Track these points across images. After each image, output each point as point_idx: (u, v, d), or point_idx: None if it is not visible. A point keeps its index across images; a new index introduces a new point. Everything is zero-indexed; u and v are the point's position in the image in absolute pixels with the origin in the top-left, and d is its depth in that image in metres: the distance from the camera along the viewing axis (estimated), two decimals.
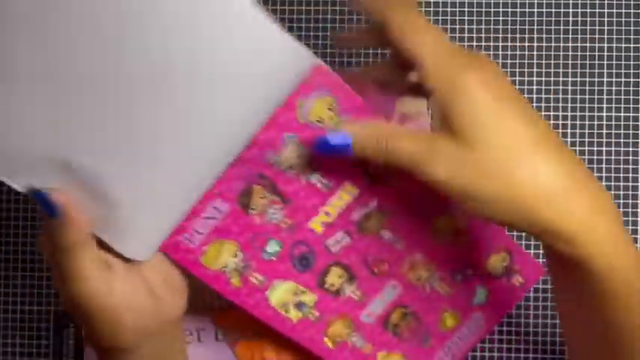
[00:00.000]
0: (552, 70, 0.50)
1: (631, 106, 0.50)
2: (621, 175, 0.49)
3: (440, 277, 0.44)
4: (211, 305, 0.50)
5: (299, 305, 0.42)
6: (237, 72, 0.35)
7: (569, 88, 0.50)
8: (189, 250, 0.39)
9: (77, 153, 0.35)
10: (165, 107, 0.35)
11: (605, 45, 0.50)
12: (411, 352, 0.46)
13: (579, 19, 0.50)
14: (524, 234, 0.50)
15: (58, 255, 0.35)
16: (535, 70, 0.50)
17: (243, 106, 0.36)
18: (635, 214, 0.49)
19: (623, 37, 0.50)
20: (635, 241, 0.50)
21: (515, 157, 0.32)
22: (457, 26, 0.50)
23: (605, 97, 0.50)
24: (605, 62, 0.50)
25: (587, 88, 0.50)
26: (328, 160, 0.38)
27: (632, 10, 0.50)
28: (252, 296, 0.41)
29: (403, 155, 0.34)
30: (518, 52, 0.50)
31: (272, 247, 0.40)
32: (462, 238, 0.43)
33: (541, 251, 0.50)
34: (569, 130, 0.50)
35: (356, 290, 0.43)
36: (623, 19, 0.50)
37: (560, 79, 0.50)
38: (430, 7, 0.50)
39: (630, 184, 0.49)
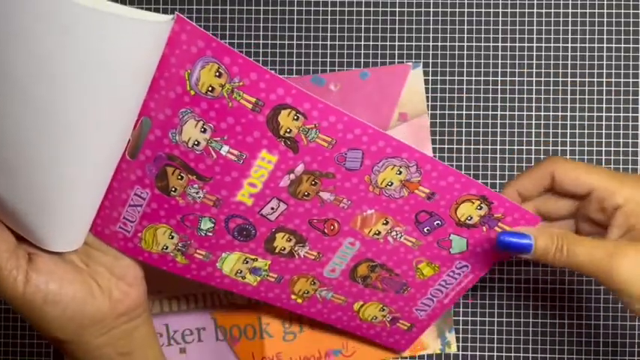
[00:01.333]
0: (552, 71, 0.50)
1: (630, 106, 0.50)
2: None
3: (404, 231, 0.42)
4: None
5: (254, 270, 0.42)
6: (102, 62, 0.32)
7: (569, 88, 0.50)
8: (127, 239, 0.40)
9: None
10: (36, 111, 0.33)
11: (605, 45, 0.50)
12: (389, 301, 0.46)
13: (579, 19, 0.50)
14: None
15: None
16: (535, 70, 0.50)
17: (131, 90, 0.34)
18: None
19: (623, 37, 0.50)
20: None
21: None
22: (457, 26, 0.50)
23: (605, 97, 0.50)
24: (605, 62, 0.50)
25: (587, 88, 0.50)
26: (234, 128, 0.37)
27: (631, 11, 0.50)
28: (203, 270, 0.42)
29: (583, 262, 0.37)
30: (517, 53, 0.50)
31: (205, 225, 0.40)
32: (417, 190, 0.41)
33: None
34: (568, 130, 0.50)
35: (310, 251, 0.42)
36: (623, 20, 0.50)
37: (560, 79, 0.50)
38: (430, 8, 0.50)
39: None
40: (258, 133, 0.37)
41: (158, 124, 0.37)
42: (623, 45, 0.50)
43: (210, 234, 0.40)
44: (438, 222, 0.42)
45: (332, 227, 0.41)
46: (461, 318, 0.51)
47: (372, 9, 0.50)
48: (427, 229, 0.42)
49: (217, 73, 0.35)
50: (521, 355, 0.50)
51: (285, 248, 0.42)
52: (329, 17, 0.51)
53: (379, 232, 0.42)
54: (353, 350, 0.51)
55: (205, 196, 0.39)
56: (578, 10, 0.50)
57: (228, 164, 0.38)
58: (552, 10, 0.50)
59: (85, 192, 0.37)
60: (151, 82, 0.35)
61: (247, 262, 0.42)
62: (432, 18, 0.50)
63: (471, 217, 0.42)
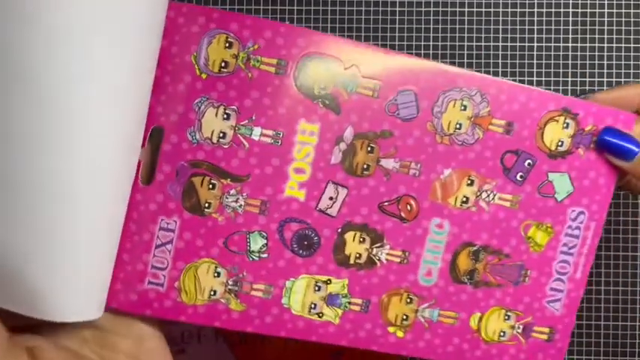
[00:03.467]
0: (552, 70, 0.50)
1: None
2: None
3: (495, 187, 0.34)
4: None
5: (331, 299, 0.33)
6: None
7: (569, 88, 0.50)
8: (161, 297, 0.31)
9: None
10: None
11: (605, 45, 0.50)
12: (511, 300, 0.35)
13: (579, 19, 0.50)
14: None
15: None
16: (535, 70, 0.50)
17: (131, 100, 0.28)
18: (635, 214, 0.49)
19: (623, 37, 0.50)
20: (635, 241, 0.50)
21: None
22: (457, 26, 0.50)
23: None
24: (605, 62, 0.50)
25: (587, 87, 0.50)
26: (261, 102, 0.31)
27: (632, 10, 0.50)
28: (267, 314, 0.33)
29: None
30: (518, 52, 0.50)
31: (256, 243, 0.32)
32: (492, 125, 0.33)
33: None
34: None
35: (393, 250, 0.34)
36: (623, 19, 0.50)
37: (560, 79, 0.50)
38: (430, 7, 0.50)
39: None
40: (289, 101, 0.31)
41: (172, 128, 0.31)
42: (623, 45, 0.50)
43: (265, 255, 0.32)
44: (529, 161, 0.34)
45: (408, 207, 0.33)
46: None
47: (372, 8, 0.50)
48: (520, 176, 0.34)
49: (227, 44, 0.31)
50: None
51: (360, 255, 0.33)
52: (329, 17, 0.51)
53: (467, 199, 0.34)
54: (354, 351, 0.51)
55: (247, 202, 0.32)
56: (579, 10, 0.50)
57: (266, 150, 0.31)
58: (553, 10, 0.50)
59: (100, 233, 0.28)
60: (153, 84, 0.31)
61: (319, 289, 0.33)
62: (432, 18, 0.50)
63: (562, 142, 0.34)
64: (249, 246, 0.32)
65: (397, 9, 0.50)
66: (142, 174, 0.31)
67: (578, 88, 0.50)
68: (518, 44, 0.50)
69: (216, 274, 0.32)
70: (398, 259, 0.34)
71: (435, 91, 0.32)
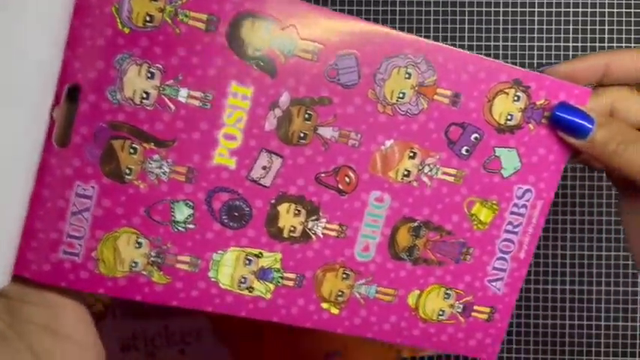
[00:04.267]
0: None
1: None
2: None
3: (438, 161, 0.32)
4: None
5: (262, 274, 0.32)
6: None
7: None
8: (77, 267, 0.29)
9: None
10: None
11: (606, 45, 0.50)
12: (451, 278, 0.34)
13: (579, 18, 0.50)
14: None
15: None
16: (535, 70, 0.50)
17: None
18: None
19: (624, 36, 0.50)
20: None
21: None
22: (457, 26, 0.50)
23: None
24: None
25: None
26: (188, 61, 0.29)
27: (632, 10, 0.50)
28: (193, 287, 0.31)
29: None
30: (518, 52, 0.50)
31: (181, 213, 0.30)
32: (437, 95, 0.31)
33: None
34: None
35: (329, 224, 0.32)
36: (624, 19, 0.50)
37: None
38: (430, 7, 0.50)
39: None
40: (220, 60, 0.29)
41: (90, 86, 0.28)
42: (624, 45, 0.50)
43: (191, 226, 0.30)
44: (476, 134, 0.32)
45: (347, 179, 0.31)
46: None
47: (372, 8, 0.50)
48: (466, 150, 0.32)
49: None
50: (522, 355, 0.50)
51: (295, 227, 0.31)
52: None
53: (409, 172, 0.32)
54: (353, 351, 0.51)
55: (172, 170, 0.29)
56: (580, 10, 0.50)
57: (193, 114, 0.29)
58: (553, 10, 0.50)
59: (12, 201, 0.27)
60: (70, 37, 0.28)
61: (250, 262, 0.31)
62: (432, 18, 0.50)
63: (512, 115, 0.32)
64: (174, 216, 0.30)
65: (397, 8, 0.50)
66: (57, 135, 0.28)
67: None
68: (518, 44, 0.50)
69: (137, 245, 0.30)
70: (335, 233, 0.32)
71: (378, 56, 0.30)
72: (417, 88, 0.31)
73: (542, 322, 0.50)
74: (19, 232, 0.28)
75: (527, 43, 0.50)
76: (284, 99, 0.29)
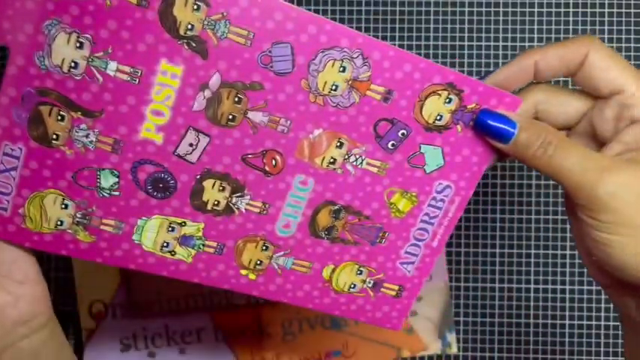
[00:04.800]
0: None
1: None
2: None
3: (364, 153, 0.33)
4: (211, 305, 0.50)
5: (184, 240, 0.33)
6: None
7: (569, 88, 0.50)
8: (4, 221, 0.31)
9: None
10: None
11: (606, 45, 0.50)
12: (365, 257, 0.36)
13: (579, 18, 0.50)
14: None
15: None
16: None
17: None
18: None
19: (624, 36, 0.50)
20: None
21: None
22: (457, 26, 0.50)
23: None
24: None
25: None
26: (118, 35, 0.28)
27: (632, 10, 0.50)
28: (116, 248, 0.32)
29: (565, 168, 0.30)
30: (518, 52, 0.50)
31: (107, 181, 0.31)
32: (369, 91, 0.32)
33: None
34: None
35: (253, 201, 0.33)
36: (624, 19, 0.50)
37: (561, 79, 0.50)
38: (430, 7, 0.50)
39: None
40: (151, 37, 0.28)
41: (18, 49, 0.28)
42: (623, 45, 0.50)
43: (116, 193, 0.31)
44: (403, 131, 0.33)
45: (273, 162, 0.32)
46: (461, 319, 0.50)
47: (372, 8, 0.50)
48: (392, 144, 0.33)
49: None
50: (522, 355, 0.50)
51: (218, 202, 0.32)
52: (329, 17, 0.51)
53: (334, 160, 0.33)
54: (353, 351, 0.51)
55: (99, 140, 0.30)
56: (579, 10, 0.50)
57: (121, 87, 0.29)
58: (553, 10, 0.50)
59: None
60: None
61: (173, 230, 0.32)
62: (432, 18, 0.50)
63: (441, 116, 0.33)
64: (100, 183, 0.31)
65: (397, 9, 0.50)
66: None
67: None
68: (518, 44, 0.50)
69: (63, 206, 0.31)
70: (257, 210, 0.33)
71: (314, 47, 0.30)
72: (350, 82, 0.31)
73: (542, 322, 0.50)
74: None
75: (527, 44, 0.50)
76: (214, 81, 0.30)
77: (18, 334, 0.30)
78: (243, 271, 0.34)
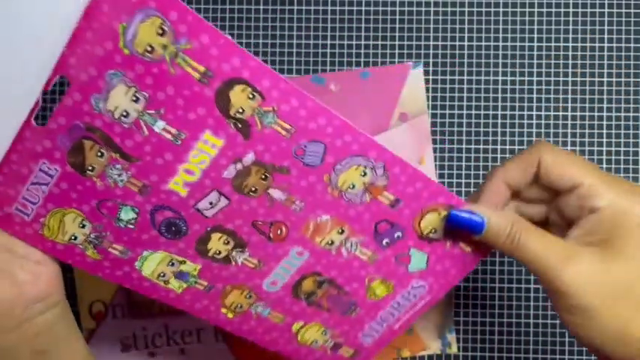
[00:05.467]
0: (552, 70, 0.50)
1: (631, 105, 0.50)
2: (621, 174, 0.49)
3: (360, 242, 0.37)
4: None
5: (179, 275, 0.36)
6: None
7: (569, 88, 0.50)
8: (24, 224, 0.33)
9: None
10: None
11: (605, 45, 0.50)
12: (333, 323, 0.39)
13: (579, 19, 0.50)
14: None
15: None
16: (535, 70, 0.50)
17: (47, 36, 0.29)
18: None
19: (623, 37, 0.50)
20: None
21: None
22: (457, 26, 0.50)
23: (605, 97, 0.50)
24: (606, 62, 0.50)
25: (587, 88, 0.50)
26: (174, 101, 0.31)
27: (632, 10, 0.50)
28: (118, 268, 0.35)
29: (530, 254, 0.34)
30: (518, 52, 0.50)
31: (126, 215, 0.34)
32: (381, 196, 0.36)
33: None
34: (569, 130, 0.50)
35: (250, 258, 0.36)
36: (624, 19, 0.50)
37: (561, 78, 0.50)
38: (430, 7, 0.50)
39: None
40: (203, 110, 0.31)
41: (78, 85, 0.30)
42: (623, 45, 0.50)
43: (132, 226, 0.34)
44: (399, 234, 0.37)
45: (279, 232, 0.36)
46: (461, 318, 0.50)
47: (372, 8, 0.50)
48: (386, 242, 0.37)
49: (160, 30, 0.29)
50: (522, 355, 0.50)
51: (220, 252, 0.36)
52: (329, 17, 0.51)
53: (332, 242, 0.37)
54: None
55: (130, 180, 0.33)
56: (579, 10, 0.50)
57: (162, 144, 0.32)
58: (553, 10, 0.50)
59: None
60: (74, 33, 0.29)
61: (173, 265, 0.36)
62: (432, 18, 0.50)
63: (435, 230, 0.37)
64: (120, 215, 0.34)
65: (397, 9, 0.50)
66: (37, 114, 0.31)
67: (578, 87, 0.50)
68: (518, 44, 0.50)
69: (81, 225, 0.34)
70: (252, 265, 0.37)
71: (345, 152, 0.34)
72: (367, 185, 0.35)
73: (542, 322, 0.50)
74: None
75: (526, 44, 0.50)
76: (248, 158, 0.33)
77: (35, 310, 0.33)
78: (224, 310, 0.38)
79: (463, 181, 0.50)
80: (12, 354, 0.33)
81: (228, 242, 0.35)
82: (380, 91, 0.50)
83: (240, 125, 0.32)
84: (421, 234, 0.37)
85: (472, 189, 0.50)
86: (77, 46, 0.29)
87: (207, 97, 0.31)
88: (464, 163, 0.50)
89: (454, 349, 0.50)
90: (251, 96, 0.31)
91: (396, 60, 0.50)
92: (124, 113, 0.31)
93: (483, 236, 0.35)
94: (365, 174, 0.35)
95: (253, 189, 0.34)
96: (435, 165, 0.50)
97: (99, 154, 0.32)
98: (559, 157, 0.35)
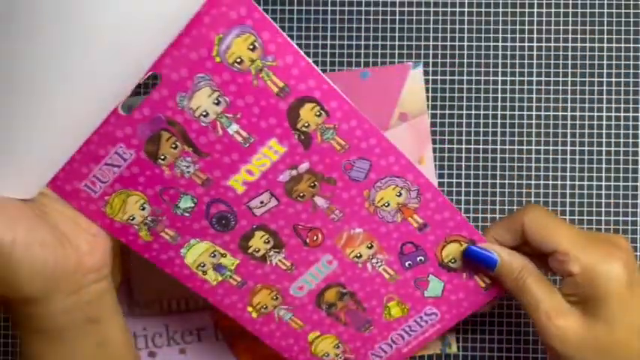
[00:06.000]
0: (552, 70, 0.50)
1: (631, 106, 0.50)
2: (621, 175, 0.49)
3: (385, 260, 0.40)
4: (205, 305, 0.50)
5: (218, 267, 0.39)
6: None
7: (569, 88, 0.50)
8: (90, 199, 0.36)
9: None
10: (58, 26, 0.30)
11: (605, 45, 0.50)
12: (347, 337, 0.42)
13: (579, 19, 0.50)
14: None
15: None
16: (535, 70, 0.50)
17: (145, 37, 0.32)
18: (634, 214, 0.49)
19: (623, 37, 0.50)
20: (635, 241, 0.50)
21: (632, 333, 0.37)
22: (457, 26, 0.50)
23: (605, 97, 0.50)
24: (605, 62, 0.50)
25: (587, 88, 0.50)
26: (251, 108, 0.35)
27: (632, 10, 0.50)
28: (164, 252, 0.38)
29: (532, 300, 0.38)
30: (518, 52, 0.50)
31: (184, 203, 0.37)
32: (412, 218, 0.39)
33: None
34: (569, 130, 0.50)
35: (285, 260, 0.39)
36: (623, 19, 0.50)
37: (560, 79, 0.50)
38: (430, 7, 0.50)
39: (630, 184, 0.49)
40: (274, 120, 0.35)
41: (168, 84, 0.34)
42: (623, 45, 0.50)
43: (187, 214, 0.37)
44: (421, 258, 0.40)
45: (315, 238, 0.39)
46: None
47: (372, 8, 0.50)
48: (409, 264, 0.40)
49: (251, 46, 0.33)
50: (522, 355, 0.50)
51: (259, 249, 0.39)
52: (329, 17, 0.51)
53: (360, 256, 0.40)
54: None
55: (195, 173, 0.36)
56: (579, 10, 0.50)
57: (232, 144, 0.35)
58: (552, 10, 0.50)
59: (61, 132, 0.33)
60: (177, 37, 0.33)
61: (214, 256, 0.38)
62: (432, 18, 0.50)
63: (455, 260, 0.41)
64: (179, 202, 0.37)
65: (397, 9, 0.50)
66: (125, 103, 0.34)
67: (578, 87, 0.50)
68: (518, 44, 0.50)
69: (141, 208, 0.37)
70: (284, 267, 0.39)
71: (387, 172, 0.37)
72: (400, 205, 0.38)
73: None
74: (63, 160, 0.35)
75: (526, 44, 0.50)
76: (303, 166, 0.37)
77: (90, 279, 0.35)
78: (250, 308, 0.41)
79: (463, 181, 0.50)
80: (69, 316, 0.35)
81: (269, 241, 0.38)
82: (380, 91, 0.50)
83: (303, 137, 0.36)
84: (441, 261, 0.40)
85: (472, 189, 0.50)
86: (174, 49, 0.33)
87: (280, 109, 0.35)
88: (464, 163, 0.50)
89: (454, 349, 0.50)
90: (318, 113, 0.35)
91: (396, 60, 0.50)
92: (204, 113, 0.34)
93: (495, 273, 0.39)
94: (400, 194, 0.38)
95: (301, 194, 0.37)
96: (435, 165, 0.50)
97: (173, 145, 0.35)
98: (541, 220, 0.38)
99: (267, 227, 0.38)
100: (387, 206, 0.38)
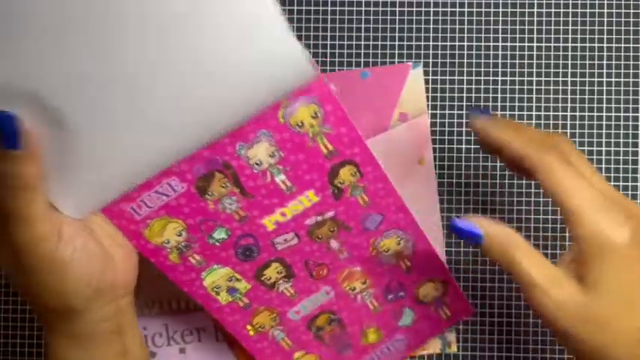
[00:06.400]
0: (552, 70, 0.50)
1: (631, 106, 0.50)
2: (621, 175, 0.49)
3: (373, 294, 0.45)
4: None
5: (231, 290, 0.42)
6: (234, 61, 0.33)
7: (569, 88, 0.50)
8: (132, 221, 0.38)
9: (47, 90, 0.32)
10: (148, 70, 0.33)
11: (605, 45, 0.50)
12: (327, 357, 0.47)
13: (579, 19, 0.50)
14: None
15: (5, 193, 0.32)
16: (535, 70, 0.50)
17: (229, 97, 0.34)
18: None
19: (623, 37, 0.50)
20: None
21: (628, 307, 0.35)
22: (457, 26, 0.50)
23: (605, 97, 0.50)
24: (605, 62, 0.50)
25: (587, 88, 0.50)
26: (300, 164, 0.39)
27: (632, 10, 0.50)
28: (186, 274, 0.41)
29: (523, 273, 0.36)
30: (518, 52, 0.50)
31: (219, 234, 0.40)
32: (403, 262, 0.45)
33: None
34: (568, 130, 0.50)
35: (290, 288, 0.44)
36: (623, 19, 0.50)
37: (560, 79, 0.50)
38: (430, 7, 0.50)
39: (630, 184, 0.49)
40: (316, 175, 0.39)
41: (231, 134, 0.37)
42: (623, 45, 0.50)
43: (218, 244, 0.40)
44: (402, 294, 0.46)
45: (321, 272, 0.44)
46: None
47: (372, 9, 0.50)
48: (391, 298, 0.46)
49: (314, 114, 0.37)
50: (522, 355, 0.50)
51: (271, 278, 0.43)
52: (329, 17, 0.51)
53: (354, 289, 0.45)
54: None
55: (236, 210, 0.39)
56: (579, 10, 0.50)
57: (276, 191, 0.39)
58: (552, 10, 0.50)
59: (140, 172, 0.36)
60: None
61: (231, 280, 0.42)
62: (432, 18, 0.50)
63: (427, 296, 0.47)
64: (214, 233, 0.40)
65: (397, 9, 0.50)
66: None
67: (578, 87, 0.50)
68: (517, 44, 0.50)
69: (178, 234, 0.39)
70: (288, 294, 0.44)
71: (395, 225, 0.43)
72: (397, 252, 0.45)
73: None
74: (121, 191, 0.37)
75: (526, 44, 0.50)
76: (329, 214, 0.41)
77: (121, 293, 0.37)
78: (249, 327, 0.44)
79: (463, 181, 0.50)
80: (99, 326, 0.36)
81: (281, 272, 0.43)
82: (380, 91, 0.50)
83: (337, 191, 0.40)
84: (417, 299, 0.47)
85: (472, 189, 0.50)
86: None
87: (324, 167, 0.39)
88: (463, 163, 0.50)
89: (454, 349, 0.50)
90: (354, 174, 0.40)
91: (396, 60, 0.50)
92: (258, 162, 0.38)
93: (482, 246, 0.38)
94: (399, 243, 0.44)
95: (320, 236, 0.42)
96: (435, 165, 0.50)
97: (223, 185, 0.38)
98: (561, 170, 0.36)
99: (284, 260, 0.42)
100: (387, 251, 0.44)
